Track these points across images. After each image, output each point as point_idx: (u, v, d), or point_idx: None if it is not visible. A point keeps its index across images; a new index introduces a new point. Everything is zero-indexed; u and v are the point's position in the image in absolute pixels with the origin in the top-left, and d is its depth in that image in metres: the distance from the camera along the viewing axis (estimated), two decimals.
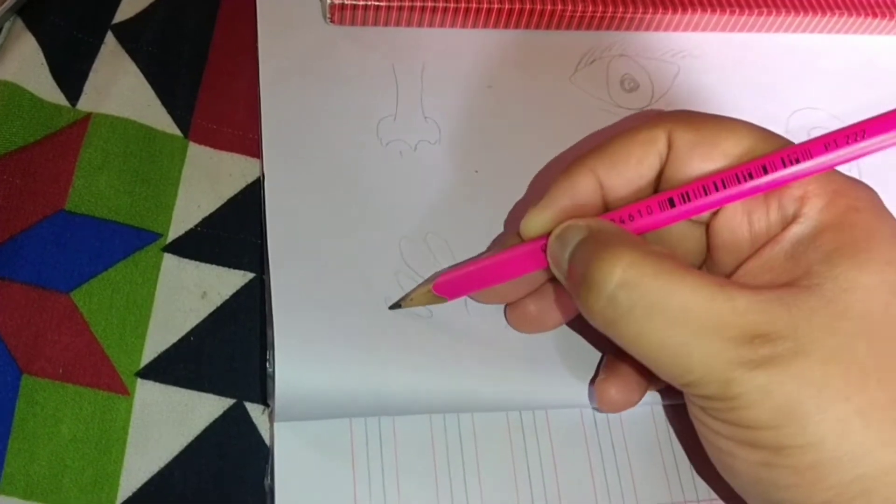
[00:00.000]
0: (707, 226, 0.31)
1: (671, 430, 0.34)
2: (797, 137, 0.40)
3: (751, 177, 0.27)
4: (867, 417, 0.25)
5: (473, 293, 0.33)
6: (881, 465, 0.25)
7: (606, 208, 0.30)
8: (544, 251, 0.29)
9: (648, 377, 0.32)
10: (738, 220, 0.29)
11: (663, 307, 0.25)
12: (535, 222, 0.30)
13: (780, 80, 0.43)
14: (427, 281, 0.33)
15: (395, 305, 0.33)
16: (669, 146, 0.30)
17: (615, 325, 0.27)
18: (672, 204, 0.28)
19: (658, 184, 0.30)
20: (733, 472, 0.28)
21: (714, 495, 0.33)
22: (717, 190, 0.28)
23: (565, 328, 0.34)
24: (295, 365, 0.30)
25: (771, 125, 0.40)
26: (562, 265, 0.28)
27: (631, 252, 0.26)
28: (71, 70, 0.36)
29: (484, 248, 0.35)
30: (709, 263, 0.31)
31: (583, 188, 0.30)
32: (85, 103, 0.36)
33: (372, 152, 0.36)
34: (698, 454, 0.32)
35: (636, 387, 0.32)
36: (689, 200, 0.28)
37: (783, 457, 0.25)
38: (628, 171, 0.30)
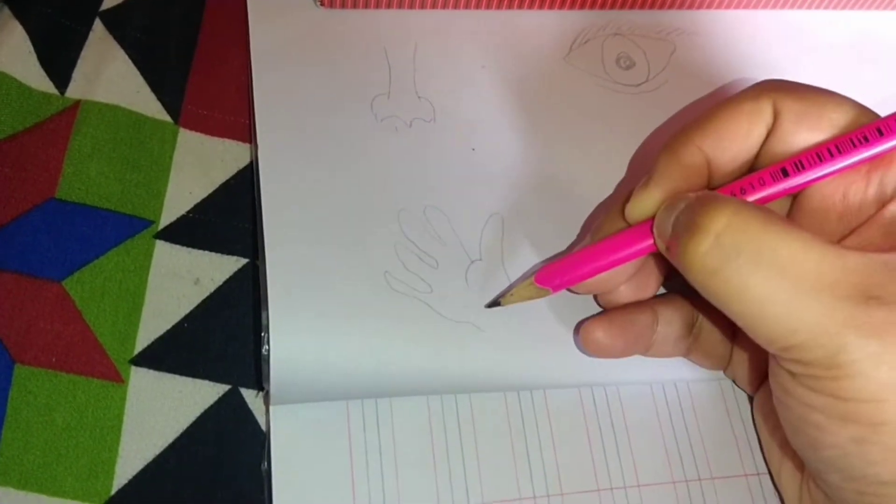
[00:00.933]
0: (794, 198, 0.29)
1: (671, 410, 0.34)
2: None
3: (866, 140, 0.26)
4: None
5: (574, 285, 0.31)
6: None
7: (711, 186, 0.29)
8: (652, 232, 0.28)
9: (643, 335, 0.31)
10: (833, 191, 0.28)
11: (772, 256, 0.24)
12: (642, 204, 0.29)
13: (778, 56, 0.42)
14: (527, 275, 0.32)
15: (494, 303, 0.32)
16: (775, 116, 0.28)
17: (717, 274, 0.25)
18: (785, 174, 0.27)
19: (757, 158, 0.29)
20: (816, 446, 0.26)
21: (713, 473, 0.33)
22: (831, 156, 0.27)
23: (564, 300, 0.33)
24: (290, 345, 0.30)
25: None
26: (665, 231, 0.27)
27: (737, 203, 0.25)
28: (59, 58, 0.36)
29: (483, 223, 0.34)
30: None
31: (689, 165, 0.29)
32: (74, 91, 0.35)
33: (367, 128, 0.35)
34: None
35: (626, 336, 0.31)
36: (803, 169, 0.27)
37: (880, 433, 0.23)
38: (735, 145, 0.29)
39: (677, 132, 0.30)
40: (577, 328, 0.33)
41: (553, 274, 0.31)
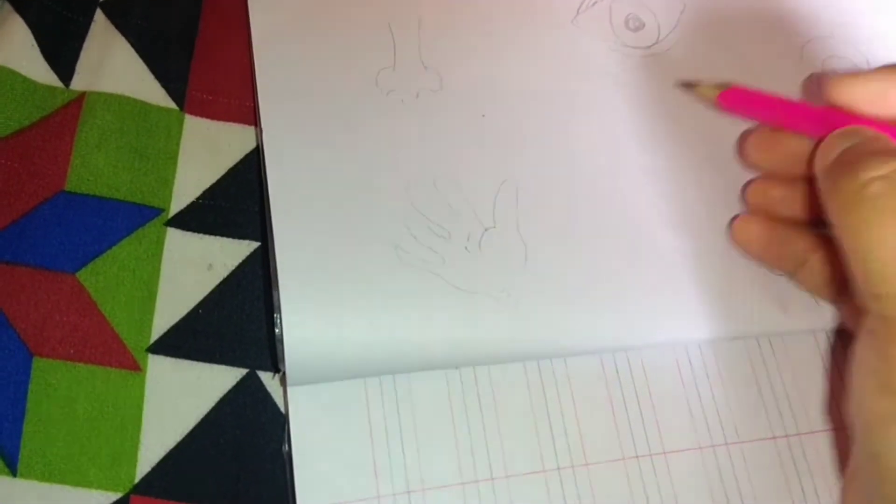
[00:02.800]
0: None
1: (695, 373, 0.33)
2: (812, 67, 0.39)
3: None
4: None
5: (752, 115, 0.33)
6: None
7: None
8: (829, 127, 0.30)
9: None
10: None
11: None
12: (844, 88, 0.30)
13: (791, 9, 0.41)
14: (722, 84, 0.34)
15: (687, 84, 0.35)
16: None
17: (850, 208, 0.26)
18: None
19: None
20: (859, 411, 0.27)
21: (741, 437, 0.32)
22: None
23: (583, 265, 0.33)
24: (303, 325, 0.30)
25: (784, 57, 0.39)
26: (831, 152, 0.29)
27: None
28: (62, 50, 0.36)
29: (495, 190, 0.34)
30: None
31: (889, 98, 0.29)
32: (78, 82, 0.35)
33: (373, 102, 0.35)
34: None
35: (778, 240, 0.32)
36: None
37: None
38: None
39: None
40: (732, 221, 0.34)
41: (738, 95, 0.33)
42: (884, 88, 0.30)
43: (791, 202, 0.33)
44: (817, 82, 0.33)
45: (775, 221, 0.34)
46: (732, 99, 0.33)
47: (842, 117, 0.30)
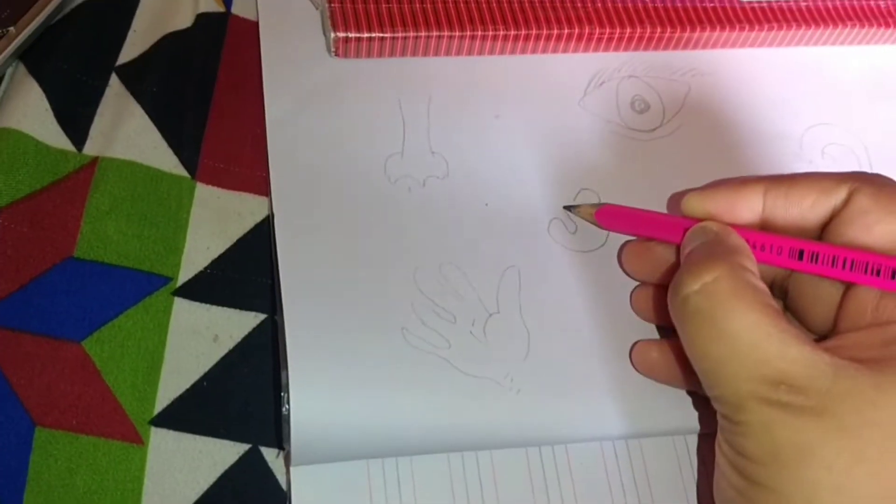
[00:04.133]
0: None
1: (694, 463, 0.34)
2: (811, 154, 0.40)
3: (878, 274, 0.28)
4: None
5: (625, 230, 0.35)
6: None
7: (760, 225, 0.31)
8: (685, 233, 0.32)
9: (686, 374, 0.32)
10: (869, 299, 0.29)
11: (720, 325, 0.27)
12: (691, 204, 0.32)
13: (793, 95, 0.42)
14: (596, 204, 0.35)
15: (568, 207, 0.36)
16: (846, 203, 0.30)
17: (679, 321, 0.29)
18: (800, 257, 0.29)
19: (823, 229, 0.31)
20: (717, 490, 0.29)
21: None
22: (843, 268, 0.29)
23: (586, 354, 0.33)
24: (310, 406, 0.30)
25: (785, 142, 0.40)
26: (683, 255, 0.31)
27: (726, 269, 0.28)
28: (76, 114, 0.36)
29: (499, 276, 0.34)
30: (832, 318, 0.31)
31: (746, 198, 0.31)
32: (91, 147, 0.36)
33: (381, 190, 0.35)
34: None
35: (675, 364, 0.32)
36: (816, 262, 0.29)
37: (754, 491, 0.27)
38: (795, 209, 0.31)
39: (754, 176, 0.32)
40: (631, 349, 0.34)
41: (611, 213, 0.35)
42: (731, 201, 0.31)
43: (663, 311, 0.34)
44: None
45: (669, 343, 0.33)
46: (607, 216, 0.35)
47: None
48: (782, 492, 0.26)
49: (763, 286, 0.28)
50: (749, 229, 0.31)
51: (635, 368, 0.34)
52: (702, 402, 0.33)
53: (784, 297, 0.32)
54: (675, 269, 0.32)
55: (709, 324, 0.27)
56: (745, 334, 0.27)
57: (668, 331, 0.34)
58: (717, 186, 0.32)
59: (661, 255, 0.34)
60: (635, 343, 0.34)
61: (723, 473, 0.28)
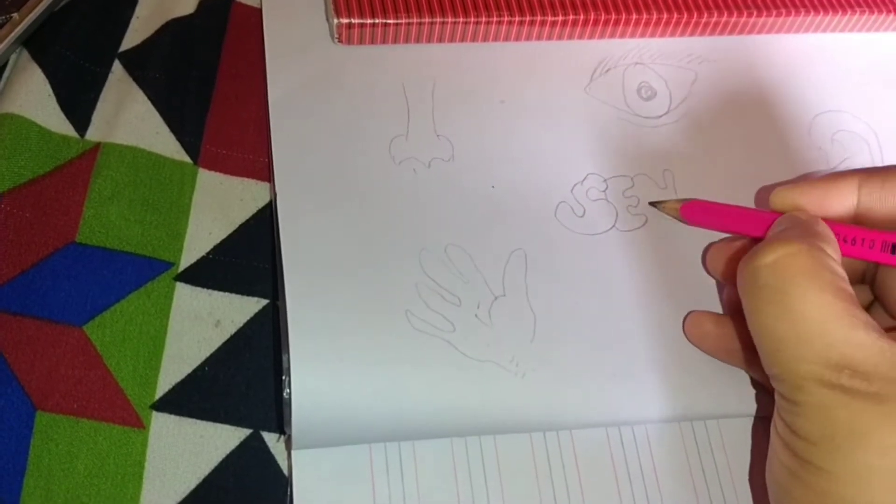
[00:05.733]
0: None
1: (700, 450, 0.33)
2: (821, 142, 0.40)
3: None
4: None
5: (711, 225, 0.34)
6: None
7: (853, 220, 0.31)
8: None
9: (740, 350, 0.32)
10: None
11: (789, 302, 0.27)
12: (780, 197, 0.32)
13: (801, 82, 0.42)
14: (682, 200, 0.35)
15: (654, 203, 0.36)
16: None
17: (746, 293, 0.28)
18: (893, 250, 0.29)
19: None
20: (770, 470, 0.29)
21: None
22: None
23: (591, 338, 0.33)
24: (312, 389, 0.30)
25: (794, 129, 0.40)
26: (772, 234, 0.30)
27: (804, 247, 0.27)
28: (78, 100, 0.36)
29: (505, 259, 0.34)
30: None
31: (838, 191, 0.31)
32: (93, 133, 0.35)
33: (385, 171, 0.35)
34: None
35: (728, 338, 0.32)
36: None
37: (806, 471, 0.26)
38: (893, 198, 0.30)
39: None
40: (685, 319, 0.34)
41: (696, 208, 0.34)
42: (822, 194, 0.31)
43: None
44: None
45: (725, 317, 0.33)
46: (692, 211, 0.35)
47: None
48: (835, 473, 0.25)
49: (841, 271, 0.27)
50: (840, 223, 0.30)
51: (687, 338, 0.34)
52: (731, 384, 0.33)
53: (873, 291, 0.32)
54: None
55: (777, 300, 0.27)
56: (814, 315, 0.26)
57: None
58: (808, 180, 0.31)
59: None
60: (689, 313, 0.34)
61: (776, 453, 0.28)
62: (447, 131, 0.37)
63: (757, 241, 0.31)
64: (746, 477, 0.33)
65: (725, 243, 0.34)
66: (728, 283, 0.35)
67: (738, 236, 0.34)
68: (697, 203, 0.35)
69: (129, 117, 0.36)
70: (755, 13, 0.41)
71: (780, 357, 0.27)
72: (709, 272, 0.35)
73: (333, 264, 0.32)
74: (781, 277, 0.27)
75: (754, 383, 0.34)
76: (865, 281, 0.33)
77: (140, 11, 0.39)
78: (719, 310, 0.35)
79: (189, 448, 0.31)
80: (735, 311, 0.34)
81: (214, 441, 0.32)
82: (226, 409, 0.32)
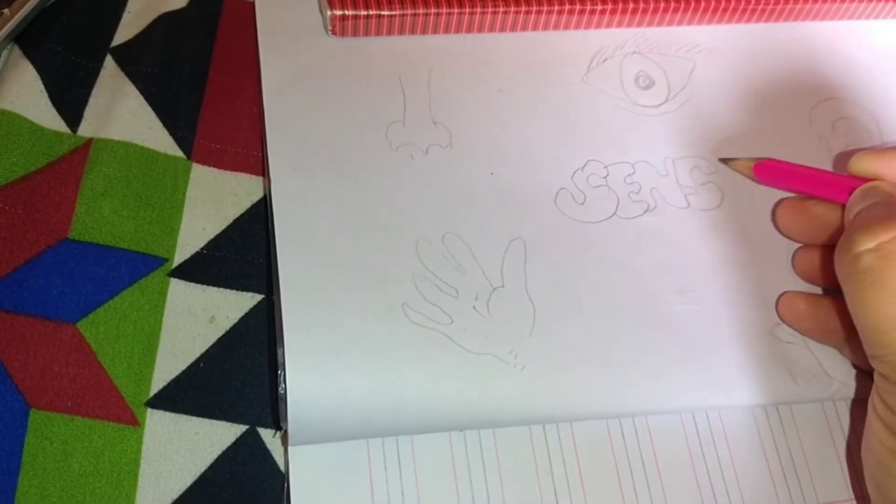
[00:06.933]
0: None
1: (702, 440, 0.33)
2: (822, 129, 0.39)
3: None
4: None
5: (784, 186, 0.35)
6: None
7: None
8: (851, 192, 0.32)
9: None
10: None
11: (893, 285, 0.27)
12: (860, 163, 0.32)
13: (800, 70, 0.41)
14: (755, 158, 0.36)
15: (725, 160, 0.37)
16: None
17: (847, 278, 0.29)
18: None
19: None
20: (869, 450, 0.29)
21: None
22: None
23: (592, 329, 0.33)
24: (307, 384, 0.29)
25: (794, 118, 0.40)
26: (850, 214, 0.31)
27: None
28: (70, 96, 0.36)
29: (504, 249, 0.34)
30: None
31: None
32: (85, 129, 0.35)
33: (382, 157, 0.35)
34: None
35: (823, 318, 0.33)
36: None
37: None
38: None
39: None
40: (779, 299, 0.35)
41: (771, 168, 0.35)
42: None
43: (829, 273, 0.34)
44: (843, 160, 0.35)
45: (820, 297, 0.34)
46: (766, 171, 0.35)
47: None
48: None
49: None
50: None
51: (780, 317, 0.34)
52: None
53: None
54: (834, 228, 0.33)
55: (881, 283, 0.28)
56: None
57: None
58: (890, 147, 0.32)
59: (820, 214, 0.34)
60: (783, 293, 0.35)
61: (874, 433, 0.28)
62: (445, 119, 0.36)
63: (829, 203, 0.33)
64: (748, 468, 0.33)
65: (797, 202, 0.35)
66: (800, 240, 0.35)
67: (808, 196, 0.35)
68: (771, 163, 0.35)
69: (122, 112, 0.36)
70: (754, 1, 0.40)
71: (884, 339, 0.28)
72: (779, 230, 0.36)
73: (328, 257, 0.32)
74: (884, 262, 0.28)
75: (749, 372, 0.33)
76: None
77: (132, 6, 0.38)
78: (721, 300, 0.34)
79: (184, 445, 0.31)
80: (809, 274, 0.35)
81: (210, 437, 0.31)
82: (221, 405, 0.32)
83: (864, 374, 0.34)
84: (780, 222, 0.36)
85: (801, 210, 0.35)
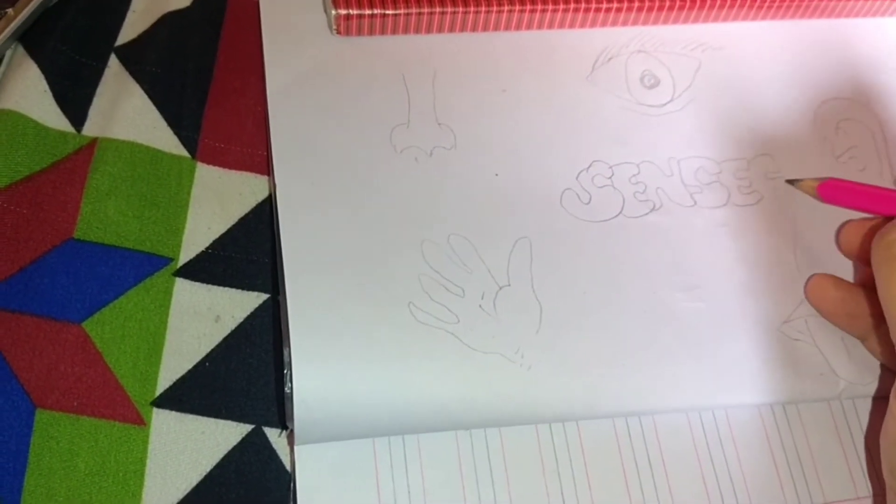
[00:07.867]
0: None
1: (708, 439, 0.33)
2: (825, 130, 0.39)
3: None
4: None
5: (849, 205, 0.35)
6: None
7: None
8: None
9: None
10: None
11: None
12: None
13: (805, 68, 0.41)
14: (819, 179, 0.36)
15: (791, 181, 0.37)
16: None
17: (878, 264, 0.30)
18: None
19: None
20: (886, 435, 0.30)
21: None
22: None
23: (598, 328, 0.33)
24: (313, 383, 0.29)
25: (799, 117, 0.39)
26: None
27: None
28: (75, 95, 0.36)
29: (510, 248, 0.34)
30: None
31: None
32: (90, 128, 0.35)
33: (386, 160, 0.35)
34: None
35: (849, 304, 0.33)
36: None
37: None
38: None
39: None
40: (808, 281, 0.35)
41: (835, 187, 0.35)
42: None
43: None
44: None
45: (851, 284, 0.34)
46: (830, 190, 0.35)
47: None
48: None
49: None
50: None
51: (808, 300, 0.35)
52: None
53: None
54: None
55: None
56: None
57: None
58: None
59: None
60: (812, 275, 0.35)
61: (894, 417, 0.29)
62: (449, 120, 0.36)
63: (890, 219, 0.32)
64: (754, 466, 0.33)
65: (860, 222, 0.35)
66: (861, 261, 0.35)
67: (873, 216, 0.35)
68: (835, 182, 0.35)
69: (126, 112, 0.36)
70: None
71: None
72: (842, 251, 0.36)
73: (334, 257, 0.32)
74: None
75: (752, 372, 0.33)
76: None
77: (136, 5, 0.38)
78: (728, 298, 0.34)
79: (190, 444, 0.31)
80: (850, 246, 0.35)
81: (216, 437, 0.31)
82: (227, 404, 0.32)
83: (886, 371, 0.34)
84: (843, 243, 0.36)
85: (865, 231, 0.34)
